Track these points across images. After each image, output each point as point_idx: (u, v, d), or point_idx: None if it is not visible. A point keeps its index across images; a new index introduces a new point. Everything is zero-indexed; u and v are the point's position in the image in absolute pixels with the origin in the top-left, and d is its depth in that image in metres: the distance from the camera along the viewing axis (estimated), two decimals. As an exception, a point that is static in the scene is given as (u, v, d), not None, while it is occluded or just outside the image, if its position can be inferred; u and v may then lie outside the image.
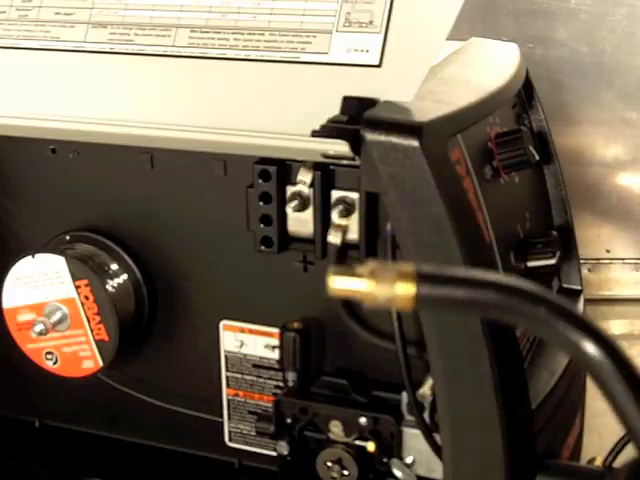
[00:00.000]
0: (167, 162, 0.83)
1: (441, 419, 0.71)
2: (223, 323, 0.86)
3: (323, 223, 0.77)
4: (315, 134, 0.68)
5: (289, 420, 0.81)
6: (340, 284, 0.44)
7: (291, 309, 0.82)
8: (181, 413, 0.90)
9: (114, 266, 0.86)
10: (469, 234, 0.66)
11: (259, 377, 0.87)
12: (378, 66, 0.71)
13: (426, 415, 0.75)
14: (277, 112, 0.72)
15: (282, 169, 0.77)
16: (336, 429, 0.80)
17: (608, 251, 1.70)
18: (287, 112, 0.71)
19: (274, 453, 0.83)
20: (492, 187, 0.83)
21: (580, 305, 1.01)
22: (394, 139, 0.65)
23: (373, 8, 0.72)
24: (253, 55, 0.74)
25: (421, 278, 0.42)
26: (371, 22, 0.72)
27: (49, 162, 0.87)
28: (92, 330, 0.85)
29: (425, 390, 0.74)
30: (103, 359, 0.86)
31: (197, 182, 0.83)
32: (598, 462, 0.74)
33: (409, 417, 0.78)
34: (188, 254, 0.86)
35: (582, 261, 1.04)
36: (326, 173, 0.76)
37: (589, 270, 1.67)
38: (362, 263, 0.43)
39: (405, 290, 0.42)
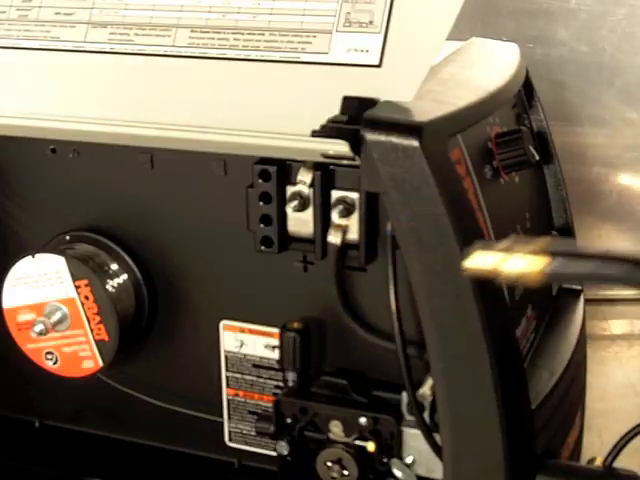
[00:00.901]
0: (167, 162, 0.83)
1: (441, 419, 0.71)
2: (223, 323, 0.86)
3: (323, 223, 0.77)
4: (315, 134, 0.68)
5: (289, 420, 0.81)
6: (475, 262, 0.48)
7: (291, 309, 0.82)
8: (181, 413, 0.90)
9: (114, 266, 0.86)
10: (469, 234, 0.66)
11: (259, 377, 0.87)
12: (378, 66, 0.71)
13: (426, 415, 0.75)
14: (277, 112, 0.72)
15: (282, 169, 0.77)
16: (336, 429, 0.80)
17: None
18: (287, 112, 0.71)
19: (274, 453, 0.83)
20: (492, 187, 0.83)
21: (580, 305, 1.02)
22: (394, 139, 0.65)
23: (373, 8, 0.72)
24: (253, 55, 0.74)
25: (552, 254, 0.47)
26: (371, 22, 0.72)
27: (49, 162, 0.87)
28: (92, 330, 0.85)
29: (425, 390, 0.74)
30: (103, 359, 0.86)
31: (197, 182, 0.83)
32: (598, 462, 0.74)
33: (409, 417, 0.78)
34: (188, 254, 0.86)
35: (582, 261, 1.04)
36: (326, 173, 0.76)
37: (589, 270, 1.67)
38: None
39: (536, 265, 0.47)
